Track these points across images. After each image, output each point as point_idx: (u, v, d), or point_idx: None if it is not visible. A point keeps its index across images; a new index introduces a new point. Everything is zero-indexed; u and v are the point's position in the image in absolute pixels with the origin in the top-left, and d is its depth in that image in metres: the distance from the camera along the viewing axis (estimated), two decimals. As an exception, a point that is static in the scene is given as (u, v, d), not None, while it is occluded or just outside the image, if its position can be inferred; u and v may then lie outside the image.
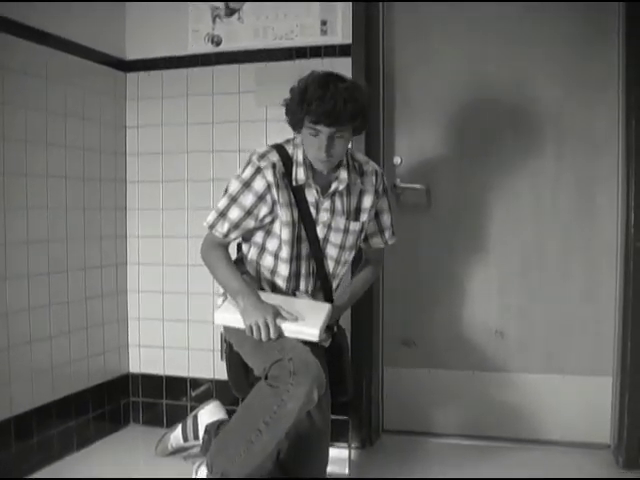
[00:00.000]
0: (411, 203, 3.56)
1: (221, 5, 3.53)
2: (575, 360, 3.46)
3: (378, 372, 3.65)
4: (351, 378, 2.84)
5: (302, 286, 2.71)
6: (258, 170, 2.54)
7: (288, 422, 2.38)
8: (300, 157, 2.58)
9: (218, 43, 3.55)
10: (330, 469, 2.84)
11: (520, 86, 3.45)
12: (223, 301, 2.72)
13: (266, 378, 2.40)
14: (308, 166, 2.59)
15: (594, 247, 3.43)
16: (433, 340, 3.61)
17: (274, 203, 2.57)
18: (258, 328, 2.42)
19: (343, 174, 2.62)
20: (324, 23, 3.39)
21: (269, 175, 2.53)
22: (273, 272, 2.68)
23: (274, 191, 2.55)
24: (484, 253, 3.54)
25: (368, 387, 3.50)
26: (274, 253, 2.65)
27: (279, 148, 2.62)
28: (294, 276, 2.68)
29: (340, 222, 2.67)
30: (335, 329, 2.75)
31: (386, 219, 2.83)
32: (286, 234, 2.60)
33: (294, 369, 2.33)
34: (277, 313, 2.46)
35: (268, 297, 2.56)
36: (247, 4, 3.49)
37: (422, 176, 3.55)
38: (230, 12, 3.51)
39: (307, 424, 2.62)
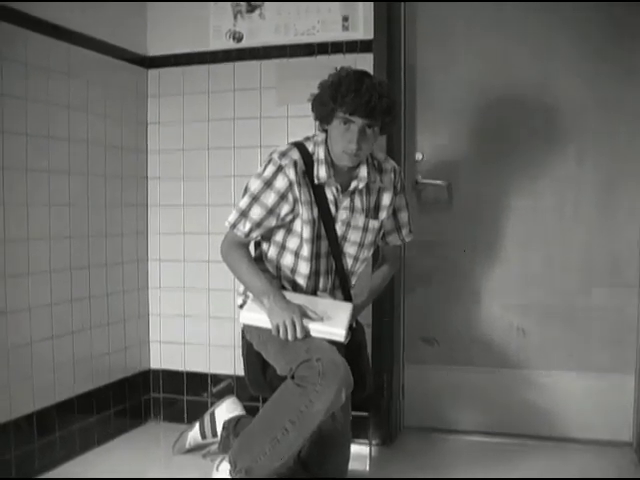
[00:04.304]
0: (432, 199, 3.55)
1: (242, 2, 3.53)
2: (597, 358, 3.44)
3: (399, 369, 3.63)
4: (370, 373, 2.85)
5: (321, 284, 2.70)
6: (280, 168, 2.54)
7: (315, 422, 2.39)
8: (322, 155, 2.59)
9: (239, 39, 3.55)
10: (351, 466, 2.84)
11: (542, 86, 3.44)
12: (243, 300, 2.72)
13: (292, 377, 2.40)
14: (329, 164, 2.59)
15: (616, 246, 3.41)
16: (454, 337, 3.60)
17: (295, 201, 2.57)
18: (285, 328, 2.43)
19: (363, 172, 2.62)
20: (345, 19, 3.38)
21: (291, 173, 2.53)
22: (293, 271, 2.68)
23: (295, 189, 2.55)
24: (505, 250, 3.53)
25: (389, 384, 3.49)
26: (294, 251, 2.65)
27: (300, 146, 2.62)
28: (314, 274, 2.68)
29: (359, 220, 2.67)
30: (354, 325, 2.74)
31: (404, 216, 2.83)
32: (307, 232, 2.59)
33: (323, 370, 2.33)
34: (303, 313, 2.47)
35: (291, 297, 2.56)
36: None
37: (443, 172, 3.53)
38: (251, 8, 3.51)
39: (329, 422, 2.62)
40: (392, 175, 2.75)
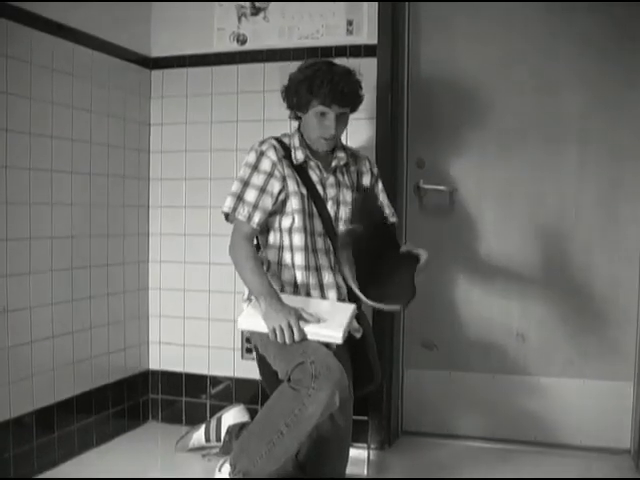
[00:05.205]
0: (434, 205, 3.55)
1: (247, 4, 3.53)
2: (596, 365, 3.44)
3: (398, 373, 3.64)
4: (378, 365, 2.85)
5: (323, 261, 2.71)
6: (261, 153, 2.66)
7: (309, 425, 2.39)
8: (296, 142, 2.73)
9: (243, 42, 3.55)
10: (349, 470, 2.85)
11: (545, 88, 3.44)
12: (248, 306, 2.71)
13: (289, 380, 2.41)
14: (305, 147, 2.72)
15: (617, 252, 3.41)
16: (454, 342, 3.60)
17: (283, 178, 2.65)
18: (281, 331, 2.42)
19: (340, 153, 2.78)
20: (350, 23, 3.38)
21: (272, 155, 2.66)
22: (291, 248, 2.69)
23: (280, 167, 2.65)
24: (506, 256, 3.52)
25: (388, 388, 3.49)
26: (289, 228, 2.69)
27: (276, 138, 2.74)
28: (312, 252, 2.70)
29: (347, 195, 2.78)
30: (356, 328, 2.73)
31: (383, 198, 2.95)
32: (296, 203, 2.66)
33: (316, 373, 2.33)
34: (299, 315, 2.46)
35: (289, 299, 2.55)
36: (273, 3, 3.49)
37: (446, 178, 3.54)
38: (256, 11, 3.52)
39: (329, 425, 2.62)
40: (366, 162, 2.93)
